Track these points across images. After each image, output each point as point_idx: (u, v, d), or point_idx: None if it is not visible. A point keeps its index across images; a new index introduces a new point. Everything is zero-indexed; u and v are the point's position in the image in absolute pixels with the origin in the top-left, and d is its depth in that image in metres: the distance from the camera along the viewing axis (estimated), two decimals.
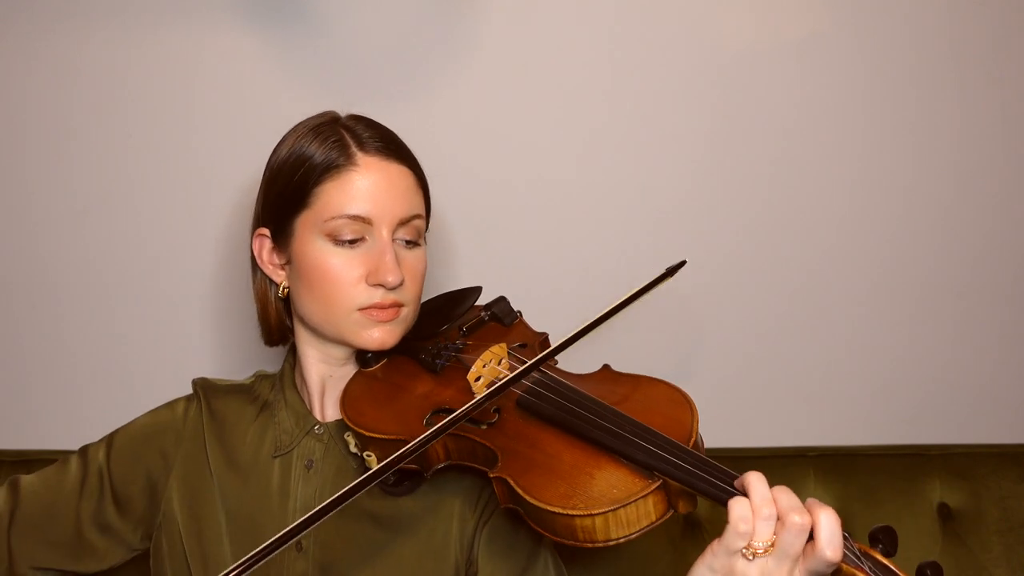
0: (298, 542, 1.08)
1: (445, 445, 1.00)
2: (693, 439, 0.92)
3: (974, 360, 1.61)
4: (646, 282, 1.09)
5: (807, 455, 1.50)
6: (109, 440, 1.17)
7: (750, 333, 1.59)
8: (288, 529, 0.83)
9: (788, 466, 1.47)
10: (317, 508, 0.85)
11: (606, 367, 1.10)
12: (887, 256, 1.58)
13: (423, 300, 1.16)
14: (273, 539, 0.83)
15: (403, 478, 1.07)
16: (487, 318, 1.19)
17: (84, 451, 1.17)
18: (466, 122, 1.52)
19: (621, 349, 1.59)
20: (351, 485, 0.87)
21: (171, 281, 1.54)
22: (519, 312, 1.20)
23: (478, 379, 1.04)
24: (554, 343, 1.05)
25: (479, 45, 1.50)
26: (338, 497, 0.86)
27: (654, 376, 1.04)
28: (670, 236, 1.56)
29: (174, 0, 1.47)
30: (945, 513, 1.45)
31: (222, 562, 1.08)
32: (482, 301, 1.21)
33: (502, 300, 1.21)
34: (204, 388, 1.20)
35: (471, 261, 1.54)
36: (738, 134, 1.54)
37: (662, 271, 1.10)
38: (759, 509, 0.82)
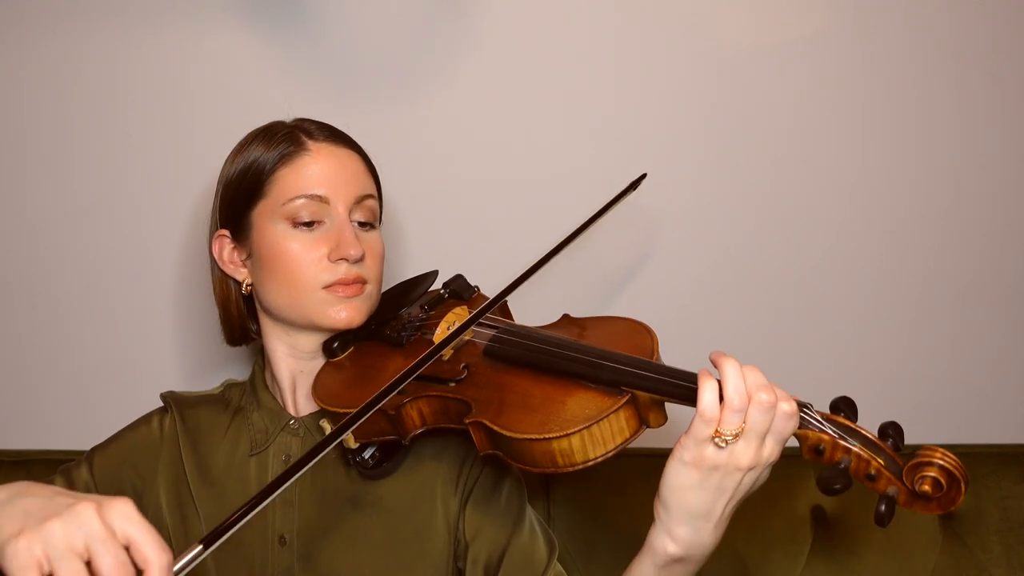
0: (280, 536, 1.08)
1: (420, 410, 1.02)
2: (655, 358, 0.97)
3: (974, 360, 1.61)
4: (611, 198, 1.14)
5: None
6: (89, 461, 1.17)
7: (750, 333, 1.59)
8: (264, 489, 0.81)
9: (788, 466, 1.45)
10: (292, 463, 0.82)
11: (565, 315, 1.13)
12: (887, 256, 1.58)
13: (383, 290, 1.18)
14: (243, 505, 0.79)
15: (382, 459, 1.08)
16: (447, 295, 1.21)
17: (65, 471, 1.16)
18: (466, 122, 1.53)
19: None
20: (326, 437, 0.87)
21: (172, 281, 1.54)
22: (476, 286, 1.23)
23: None
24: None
25: (478, 45, 1.50)
26: (313, 449, 0.84)
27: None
28: (670, 236, 1.57)
29: (174, 0, 1.47)
30: (945, 513, 1.45)
31: (204, 569, 1.08)
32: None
33: (459, 277, 1.23)
34: (175, 401, 1.21)
35: (472, 259, 1.54)
36: (738, 134, 1.54)
37: (625, 186, 1.16)
38: (731, 401, 0.86)
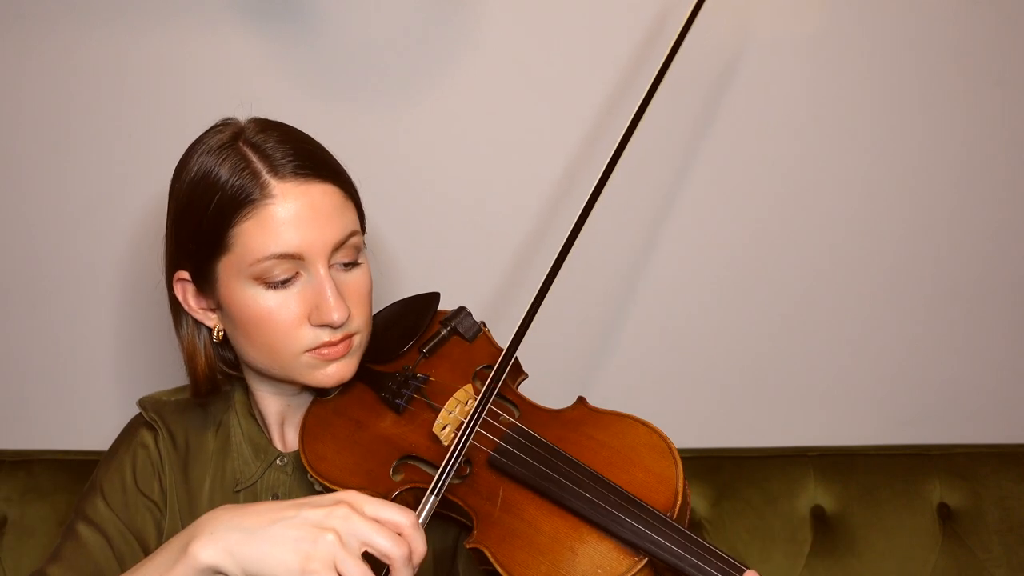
0: None
1: (417, 498, 0.94)
2: (679, 499, 0.88)
3: (974, 360, 1.61)
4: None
5: (807, 455, 1.50)
6: (101, 494, 1.07)
7: (751, 333, 1.59)
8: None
9: (788, 466, 1.47)
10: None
11: (581, 400, 1.01)
12: (889, 257, 1.58)
13: (376, 310, 1.07)
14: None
15: None
16: (447, 334, 1.09)
17: (84, 516, 1.06)
18: (461, 123, 1.52)
19: (624, 349, 1.60)
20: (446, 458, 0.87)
21: None
22: (482, 323, 1.10)
23: (444, 428, 0.98)
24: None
25: (477, 45, 1.49)
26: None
27: (633, 415, 0.97)
28: (673, 235, 1.56)
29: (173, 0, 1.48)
30: (945, 513, 1.45)
31: None
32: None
33: (462, 312, 1.10)
34: (157, 412, 1.12)
35: (474, 267, 1.54)
36: (742, 133, 1.54)
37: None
38: None
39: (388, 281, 1.42)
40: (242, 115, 1.02)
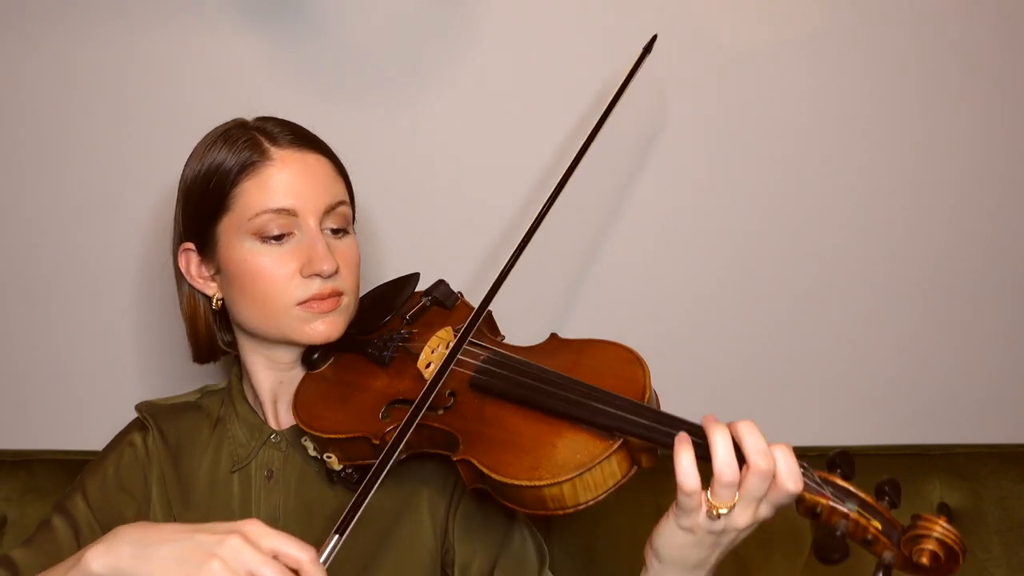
0: None
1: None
2: (647, 395, 0.94)
3: (974, 360, 1.61)
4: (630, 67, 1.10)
5: (808, 455, 1.48)
6: (82, 490, 1.13)
7: (750, 334, 1.59)
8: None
9: None
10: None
11: (553, 336, 1.09)
12: (888, 256, 1.58)
13: (362, 294, 1.14)
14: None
15: (363, 476, 1.07)
16: (428, 303, 1.16)
17: (62, 508, 1.12)
18: (452, 121, 1.52)
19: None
20: (355, 498, 0.88)
21: (173, 280, 1.54)
22: (460, 293, 1.18)
23: (428, 366, 1.04)
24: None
25: (477, 44, 1.50)
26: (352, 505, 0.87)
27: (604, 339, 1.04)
28: (672, 237, 1.56)
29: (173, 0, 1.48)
30: (945, 513, 1.45)
31: None
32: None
33: (441, 283, 1.18)
34: (151, 413, 1.17)
35: (453, 259, 1.54)
36: (740, 134, 1.54)
37: (639, 53, 1.12)
38: (720, 474, 0.83)
39: (378, 270, 1.43)
40: (248, 116, 1.13)
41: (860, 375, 1.61)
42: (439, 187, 1.54)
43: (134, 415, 1.20)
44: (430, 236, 1.55)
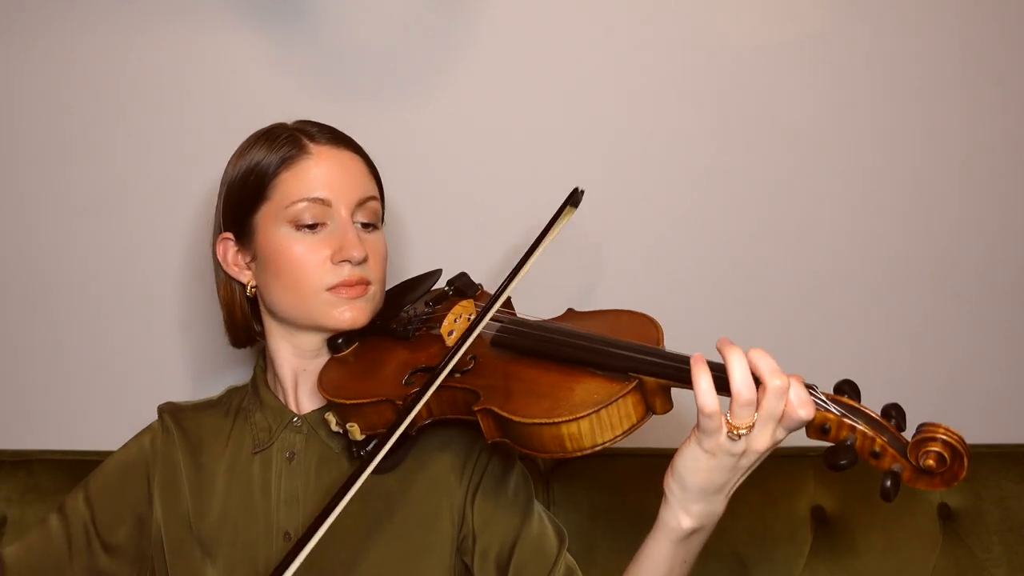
0: (285, 532, 1.09)
1: (427, 401, 1.01)
2: (661, 345, 0.97)
3: (975, 361, 1.61)
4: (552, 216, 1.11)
5: (807, 455, 1.49)
6: (85, 491, 1.16)
7: (749, 334, 1.59)
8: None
9: (788, 466, 1.47)
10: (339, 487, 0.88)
11: (570, 309, 1.13)
12: (889, 258, 1.58)
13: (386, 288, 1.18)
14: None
15: (389, 451, 1.07)
16: (451, 292, 1.21)
17: (62, 508, 1.15)
18: (468, 121, 1.53)
19: None
20: (365, 455, 0.91)
21: (174, 281, 1.54)
22: (480, 284, 1.22)
23: (451, 333, 1.09)
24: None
25: (477, 44, 1.50)
26: (355, 472, 0.90)
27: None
28: (673, 237, 1.56)
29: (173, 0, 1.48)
30: (945, 513, 1.45)
31: (205, 567, 1.09)
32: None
33: (463, 275, 1.22)
34: (172, 413, 1.21)
35: (475, 259, 1.53)
36: (741, 136, 1.54)
37: (563, 201, 1.12)
38: (739, 393, 0.86)
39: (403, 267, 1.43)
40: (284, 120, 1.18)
41: (859, 375, 1.58)
42: (456, 192, 1.54)
43: (134, 415, 1.21)
44: (453, 236, 1.56)
